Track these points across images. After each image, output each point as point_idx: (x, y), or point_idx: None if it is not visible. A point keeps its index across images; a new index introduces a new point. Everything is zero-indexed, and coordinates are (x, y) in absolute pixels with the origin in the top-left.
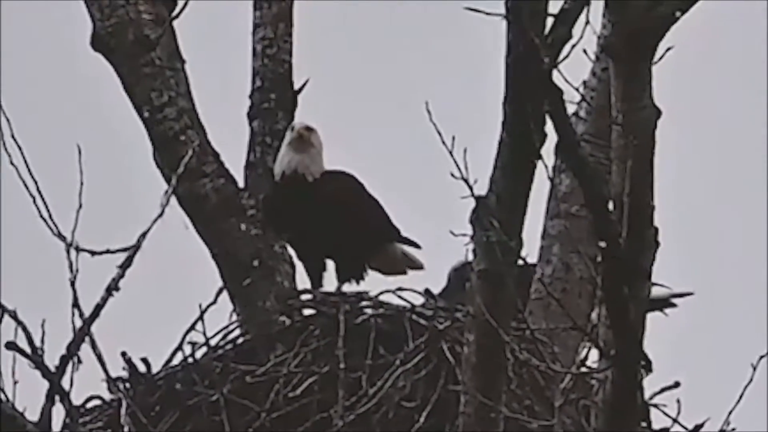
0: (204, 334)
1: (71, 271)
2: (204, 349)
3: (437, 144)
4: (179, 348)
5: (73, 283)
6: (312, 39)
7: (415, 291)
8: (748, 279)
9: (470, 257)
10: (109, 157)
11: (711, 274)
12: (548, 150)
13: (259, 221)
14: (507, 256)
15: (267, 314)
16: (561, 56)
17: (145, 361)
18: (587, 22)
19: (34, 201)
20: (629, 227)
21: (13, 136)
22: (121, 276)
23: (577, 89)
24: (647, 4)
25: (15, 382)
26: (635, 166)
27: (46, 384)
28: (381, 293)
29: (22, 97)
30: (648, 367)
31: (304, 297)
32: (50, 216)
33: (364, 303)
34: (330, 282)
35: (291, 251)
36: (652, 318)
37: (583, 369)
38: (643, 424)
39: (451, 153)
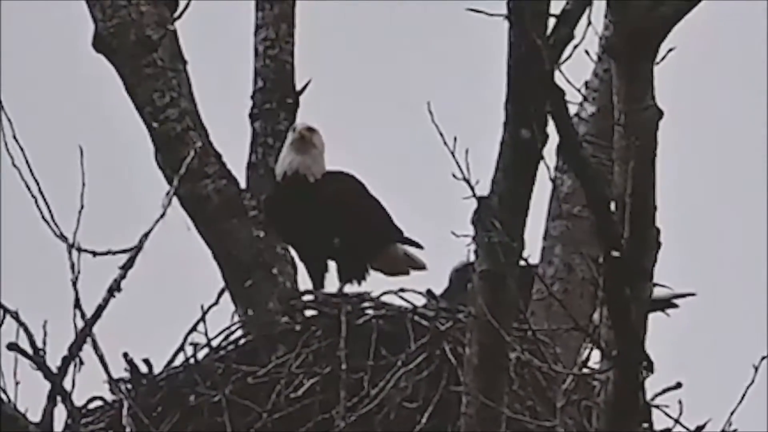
0: (206, 334)
1: (73, 271)
2: (206, 349)
3: (439, 144)
4: (181, 349)
5: (74, 284)
6: (314, 40)
7: (416, 292)
8: (750, 279)
9: (472, 258)
10: (110, 158)
11: (712, 274)
12: (550, 151)
13: (260, 222)
14: (509, 256)
15: (269, 315)
16: (563, 57)
17: (146, 361)
18: (589, 23)
19: (36, 202)
20: (631, 228)
21: (15, 137)
22: (123, 277)
23: (579, 90)
24: (649, 5)
25: (17, 383)
26: (637, 167)
27: (47, 385)
28: (383, 294)
29: (23, 98)
30: (650, 368)
31: (306, 298)
32: (52, 217)
33: (365, 304)
34: (332, 283)
35: (293, 252)
36: (654, 319)
37: (585, 370)
38: (645, 424)
39: (452, 153)
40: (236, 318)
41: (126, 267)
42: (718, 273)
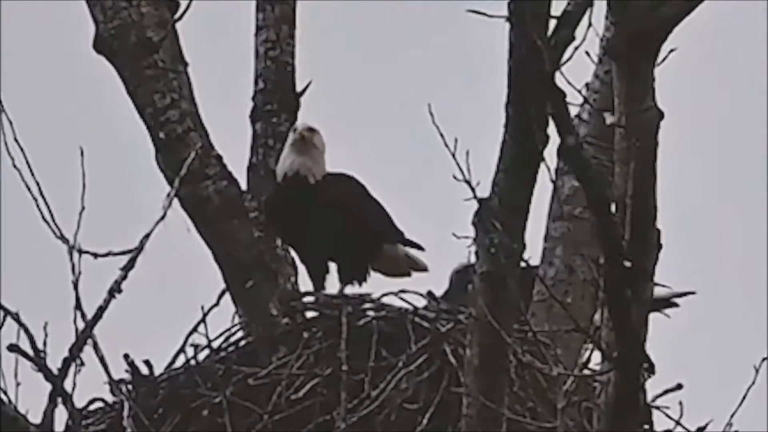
0: (206, 336)
1: (74, 273)
2: (206, 351)
3: (440, 146)
4: (182, 350)
5: (75, 286)
6: (314, 41)
7: (417, 293)
8: (751, 280)
9: (472, 259)
10: (111, 159)
11: (713, 275)
12: (551, 152)
13: (261, 223)
14: (509, 258)
15: (269, 316)
16: (563, 58)
17: (147, 363)
18: (590, 24)
19: (37, 203)
20: (632, 229)
21: (15, 139)
22: (124, 278)
23: (579, 91)
24: (649, 6)
25: (17, 385)
26: (638, 168)
27: (48, 386)
28: (383, 295)
29: (24, 99)
30: (650, 369)
31: (307, 299)
32: (53, 218)
33: (366, 305)
34: (332, 284)
35: (293, 253)
36: (654, 319)
37: (586, 371)
38: (646, 426)
39: (453, 155)
40: (237, 319)
41: (127, 268)
42: (719, 273)
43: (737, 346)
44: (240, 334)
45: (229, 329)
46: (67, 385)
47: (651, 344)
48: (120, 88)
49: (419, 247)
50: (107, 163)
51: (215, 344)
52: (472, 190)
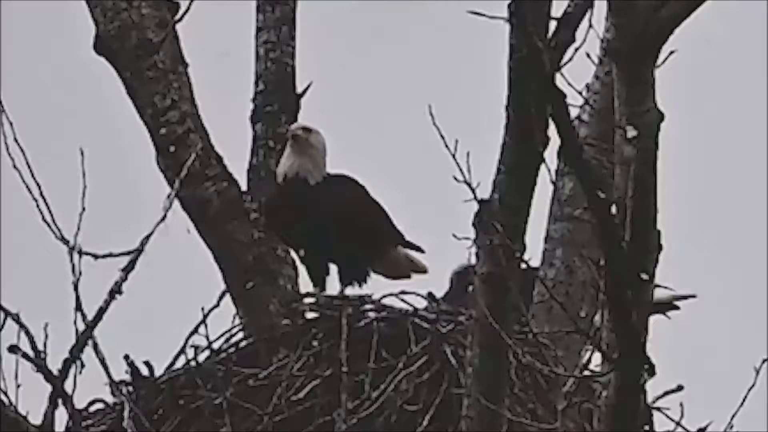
0: (207, 337)
1: (74, 274)
2: (207, 352)
3: (440, 147)
4: (182, 351)
5: (76, 287)
6: (315, 42)
7: (417, 294)
8: (751, 281)
9: (472, 261)
10: (111, 160)
11: (713, 276)
12: (551, 153)
13: (261, 224)
14: (510, 259)
15: (270, 318)
16: (564, 59)
17: (147, 364)
18: (590, 26)
19: (37, 204)
20: (632, 231)
21: (16, 140)
22: (124, 279)
23: (580, 92)
24: (650, 8)
25: (18, 386)
26: (638, 170)
27: (48, 387)
28: (384, 297)
29: (24, 100)
30: (651, 371)
31: (307, 300)
32: (53, 219)
33: (366, 306)
34: (333, 285)
35: (293, 255)
36: (655, 321)
37: (586, 372)
38: (646, 427)
39: (454, 156)
40: (237, 320)
41: (127, 269)
42: (719, 275)
43: (737, 347)
44: (240, 335)
45: (229, 330)
46: (68, 386)
47: (651, 345)
48: (120, 89)
49: (419, 249)
50: (108, 164)
51: (216, 345)
52: (473, 191)
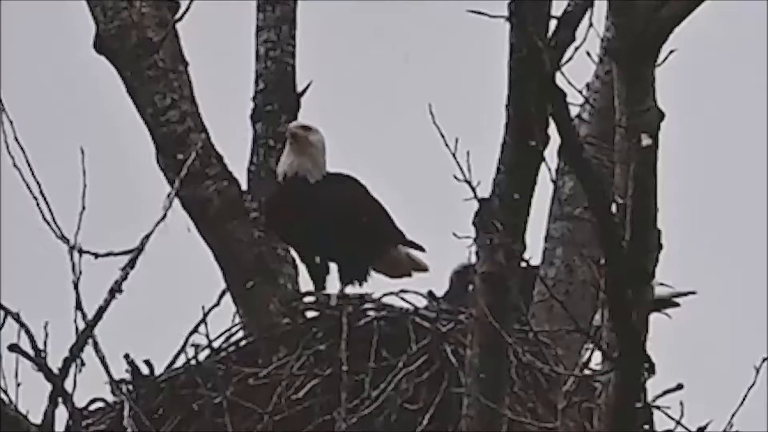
0: (207, 336)
1: (74, 273)
2: (207, 351)
3: (440, 146)
4: (182, 350)
5: (76, 286)
6: (315, 41)
7: (418, 293)
8: (751, 280)
9: (473, 260)
10: (112, 159)
11: (713, 275)
12: (551, 152)
13: (261, 223)
14: (510, 258)
15: (270, 317)
16: (564, 58)
17: (148, 363)
18: (590, 25)
19: (37, 203)
20: (632, 230)
21: (16, 138)
22: (124, 278)
23: (580, 91)
24: (650, 7)
25: (18, 385)
26: (638, 169)
27: (49, 386)
28: (384, 295)
29: (25, 99)
30: (651, 370)
31: (307, 299)
32: (53, 218)
33: (367, 305)
34: (333, 284)
35: (293, 253)
36: (655, 319)
37: (586, 371)
38: (646, 426)
39: (454, 155)
40: (237, 319)
41: (127, 268)
42: (719, 273)
43: (738, 346)
44: (240, 334)
45: (229, 329)
46: (68, 385)
47: (651, 344)
48: (120, 88)
49: (420, 248)
50: (108, 163)
51: (216, 344)
52: (473, 190)
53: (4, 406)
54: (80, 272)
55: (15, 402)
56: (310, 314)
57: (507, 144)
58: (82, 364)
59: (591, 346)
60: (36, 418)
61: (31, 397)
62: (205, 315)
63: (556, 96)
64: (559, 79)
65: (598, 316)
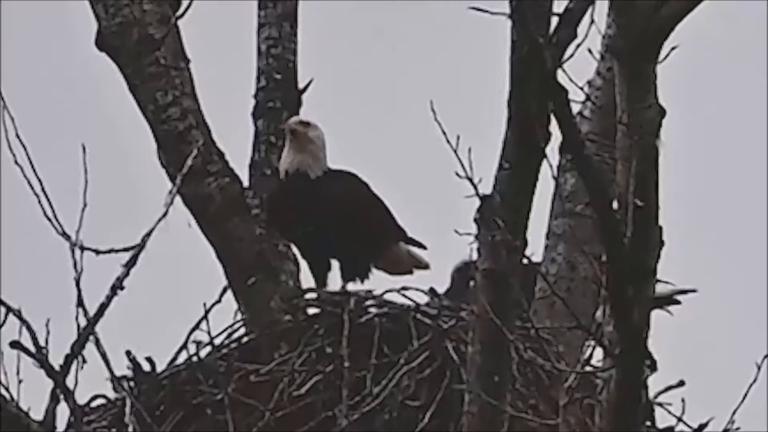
0: (208, 333)
1: (76, 270)
2: (208, 348)
3: (442, 143)
4: (184, 347)
5: (77, 282)
6: (317, 38)
7: (419, 290)
8: (753, 277)
9: (474, 256)
10: (113, 156)
11: (715, 272)
12: (553, 149)
13: (263, 220)
14: (511, 255)
15: (271, 313)
16: (566, 56)
17: (149, 360)
18: (592, 22)
19: (39, 200)
20: (634, 226)
21: (17, 135)
22: (126, 275)
23: (581, 88)
24: (652, 4)
25: (19, 382)
26: (640, 166)
27: (50, 383)
28: (385, 292)
29: (26, 97)
30: (652, 366)
31: (309, 296)
32: (54, 215)
33: (368, 302)
34: (335, 281)
35: (295, 250)
36: (656, 316)
37: (588, 368)
38: (648, 423)
39: (455, 152)
40: (239, 316)
41: (129, 265)
42: (721, 270)
43: (739, 343)
44: (242, 331)
45: (231, 326)
46: (69, 381)
47: (653, 341)
48: (122, 85)
49: (421, 245)
50: (109, 160)
51: (217, 341)
52: (474, 187)
53: (5, 403)
54: (82, 269)
55: (16, 399)
56: (311, 311)
57: (508, 141)
58: (84, 361)
59: (592, 342)
60: (37, 415)
61: (33, 394)
62: (207, 312)
63: (558, 93)
64: (561, 77)
65: (599, 313)
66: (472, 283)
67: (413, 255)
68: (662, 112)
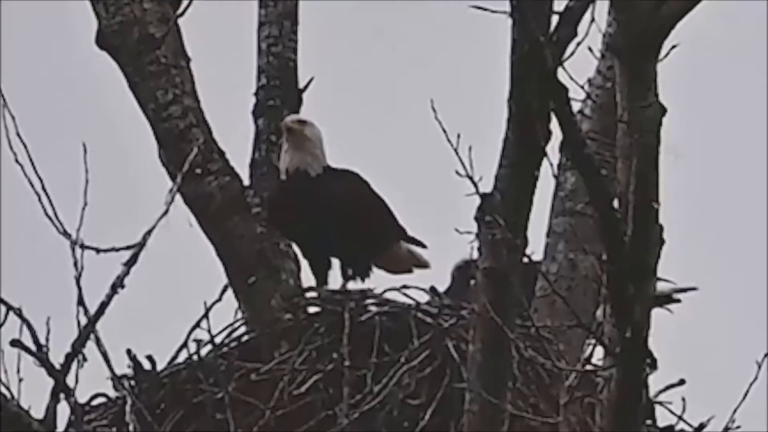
0: (209, 331)
1: (76, 268)
2: (209, 346)
3: (442, 143)
4: (184, 345)
5: (78, 281)
6: (317, 37)
7: (420, 289)
8: (753, 275)
9: (475, 255)
10: (114, 154)
11: (715, 270)
12: (553, 147)
13: (264, 219)
14: (512, 253)
15: (272, 312)
16: (566, 54)
17: (150, 358)
18: (592, 20)
19: (39, 199)
20: (634, 225)
21: (18, 134)
22: (126, 273)
23: (582, 87)
24: (652, 4)
25: (20, 380)
26: (640, 164)
27: (51, 382)
28: (386, 291)
29: (26, 95)
30: (653, 365)
31: (309, 295)
32: (55, 213)
33: (369, 301)
34: (335, 280)
35: (296, 249)
36: (657, 315)
37: (588, 367)
38: (648, 421)
39: (456, 150)
40: (239, 315)
41: (129, 264)
42: (721, 269)
43: (740, 341)
44: (242, 329)
45: (231, 325)
46: (70, 380)
47: (653, 340)
48: (122, 83)
49: (422, 244)
50: (110, 158)
51: (218, 340)
52: (475, 185)
53: (5, 402)
54: (82, 268)
55: (17, 397)
56: (312, 310)
57: (509, 140)
58: (84, 359)
59: (593, 341)
60: (38, 413)
61: (33, 393)
62: (207, 310)
63: (558, 92)
64: (561, 75)
65: (599, 312)
66: (472, 281)
67: (414, 254)
68: (663, 111)
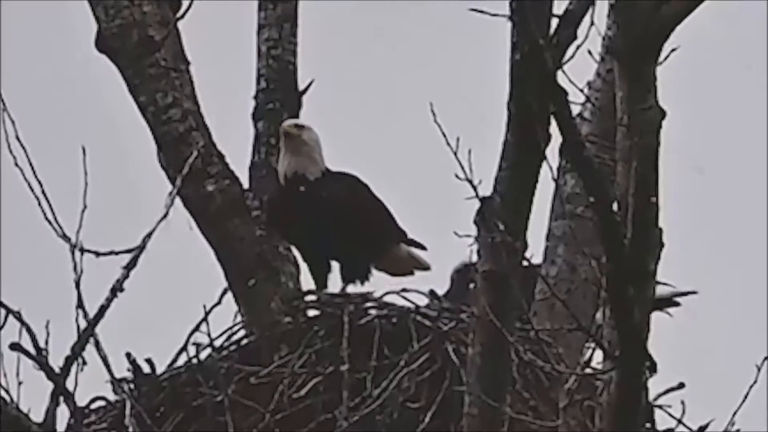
0: (208, 335)
1: (76, 272)
2: (208, 350)
3: (441, 146)
4: (184, 349)
5: (77, 284)
6: (317, 40)
7: (419, 292)
8: (753, 278)
9: (474, 258)
10: (113, 158)
11: (714, 273)
12: (553, 150)
13: (263, 222)
14: (511, 257)
15: (271, 315)
16: (566, 57)
17: (149, 362)
18: (592, 23)
19: (39, 202)
20: (634, 228)
21: (17, 138)
22: (126, 277)
23: (581, 90)
24: (652, 6)
25: (19, 383)
26: (640, 167)
27: (50, 385)
28: (385, 294)
29: (26, 99)
30: (652, 368)
31: (309, 298)
32: (55, 217)
33: (368, 304)
34: (335, 283)
35: (296, 252)
36: (656, 318)
37: (588, 370)
38: (648, 425)
39: (455, 154)
40: (239, 318)
41: (129, 267)
42: (721, 272)
43: (739, 344)
44: (242, 332)
45: (231, 328)
46: (69, 383)
47: (653, 343)
48: (122, 86)
49: (422, 247)
50: (109, 162)
51: (217, 343)
52: (474, 188)
53: (5, 405)
54: (82, 271)
55: (16, 401)
56: (311, 313)
57: (508, 142)
58: (84, 362)
59: (592, 344)
60: (37, 417)
61: (33, 396)
62: (207, 314)
63: (558, 94)
64: (561, 78)
65: (599, 315)
66: (472, 284)
67: (413, 256)
68: (662, 114)
